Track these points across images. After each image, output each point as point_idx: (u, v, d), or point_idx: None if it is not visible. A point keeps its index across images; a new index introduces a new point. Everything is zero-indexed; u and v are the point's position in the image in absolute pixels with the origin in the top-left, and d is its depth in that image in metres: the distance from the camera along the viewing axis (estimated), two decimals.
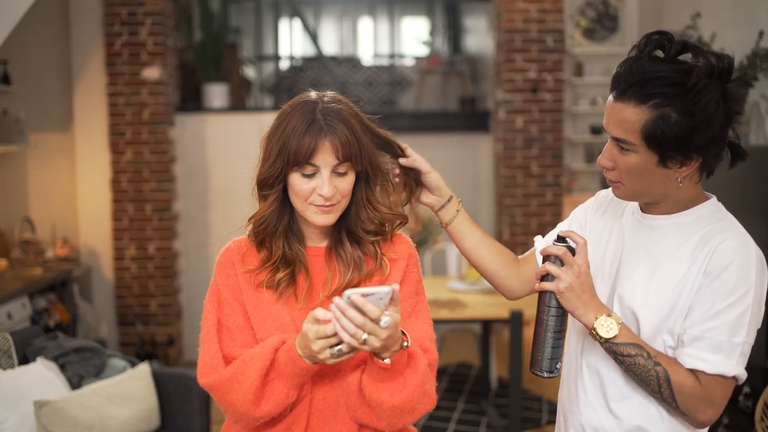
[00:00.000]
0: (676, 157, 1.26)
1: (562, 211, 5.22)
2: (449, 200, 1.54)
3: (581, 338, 1.46)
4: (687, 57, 1.27)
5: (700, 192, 1.36)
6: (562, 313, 1.34)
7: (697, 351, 1.26)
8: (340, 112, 1.32)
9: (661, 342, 1.33)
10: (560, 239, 1.34)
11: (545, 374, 1.35)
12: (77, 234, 5.12)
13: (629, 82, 1.26)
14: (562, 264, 1.31)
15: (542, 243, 1.58)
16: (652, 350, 1.29)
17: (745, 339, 1.26)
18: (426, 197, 1.53)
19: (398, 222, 1.44)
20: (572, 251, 1.33)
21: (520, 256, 1.63)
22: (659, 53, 1.27)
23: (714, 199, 1.37)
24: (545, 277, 1.33)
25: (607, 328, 1.29)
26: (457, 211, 1.54)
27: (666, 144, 1.24)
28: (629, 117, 1.26)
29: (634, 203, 1.43)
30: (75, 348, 2.87)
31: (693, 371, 1.27)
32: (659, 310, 1.31)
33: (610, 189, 1.44)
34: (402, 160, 1.47)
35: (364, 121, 1.37)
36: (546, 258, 1.34)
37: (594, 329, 1.30)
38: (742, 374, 1.27)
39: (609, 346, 1.31)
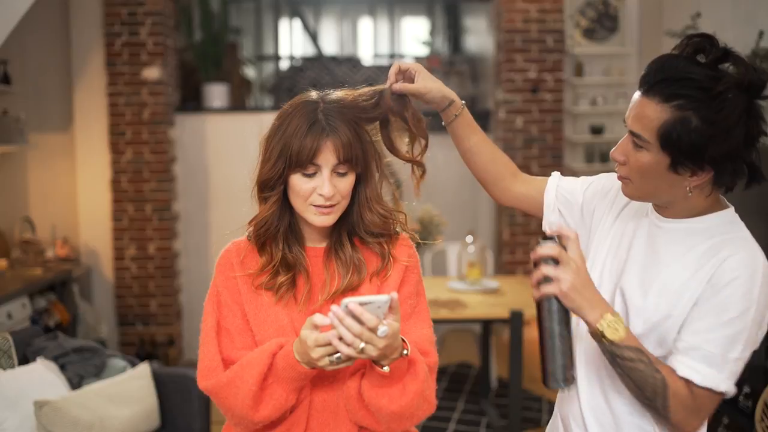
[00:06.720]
0: (687, 164, 1.22)
1: None
2: (450, 104, 1.53)
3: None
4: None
5: (716, 202, 1.32)
6: (567, 317, 1.27)
7: (691, 360, 1.23)
8: (341, 113, 1.33)
9: (647, 347, 1.29)
10: (547, 237, 1.26)
11: (562, 385, 1.27)
12: (77, 234, 5.11)
13: (658, 78, 1.23)
14: (556, 263, 1.24)
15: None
16: (651, 356, 1.25)
17: (739, 356, 1.23)
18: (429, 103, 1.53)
19: (398, 221, 1.44)
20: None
21: (526, 176, 1.62)
22: (701, 58, 1.23)
23: (731, 209, 1.32)
24: (541, 281, 1.25)
25: (613, 329, 1.22)
26: (456, 115, 1.54)
27: (680, 148, 1.21)
28: (650, 113, 1.23)
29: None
30: (75, 348, 2.87)
31: (687, 382, 1.24)
32: (653, 314, 1.29)
33: (612, 175, 1.40)
34: (396, 86, 1.43)
35: (360, 112, 1.36)
36: (537, 261, 1.25)
37: (599, 329, 1.23)
38: (731, 390, 1.24)
39: (611, 348, 1.23)
